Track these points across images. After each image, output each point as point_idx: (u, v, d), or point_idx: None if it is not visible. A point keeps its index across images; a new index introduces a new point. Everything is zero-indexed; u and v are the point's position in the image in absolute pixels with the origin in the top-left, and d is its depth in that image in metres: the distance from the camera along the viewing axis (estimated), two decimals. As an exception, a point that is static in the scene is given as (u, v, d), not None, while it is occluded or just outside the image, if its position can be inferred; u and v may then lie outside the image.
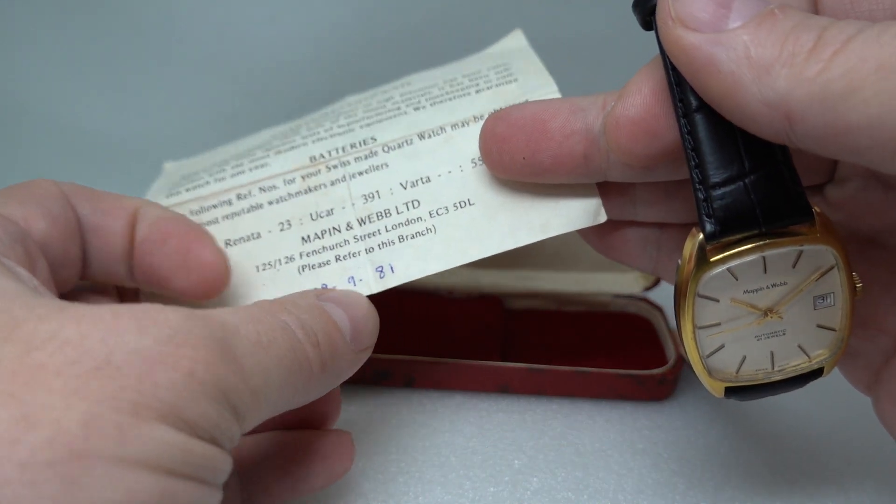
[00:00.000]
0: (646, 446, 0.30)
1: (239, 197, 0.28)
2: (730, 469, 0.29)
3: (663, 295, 0.38)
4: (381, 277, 0.26)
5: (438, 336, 0.36)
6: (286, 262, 0.27)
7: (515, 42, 0.32)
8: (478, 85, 0.29)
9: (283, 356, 0.20)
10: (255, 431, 0.26)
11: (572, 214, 0.25)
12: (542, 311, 0.40)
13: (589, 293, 0.39)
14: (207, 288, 0.24)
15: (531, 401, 0.33)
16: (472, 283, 0.40)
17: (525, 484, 0.29)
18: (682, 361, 0.33)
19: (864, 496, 0.28)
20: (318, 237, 0.27)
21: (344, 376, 0.23)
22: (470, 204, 0.26)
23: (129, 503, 0.15)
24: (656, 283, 0.39)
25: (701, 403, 0.33)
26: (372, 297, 0.25)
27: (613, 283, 0.40)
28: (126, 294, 0.26)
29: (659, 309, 0.38)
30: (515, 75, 0.28)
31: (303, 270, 0.26)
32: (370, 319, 0.24)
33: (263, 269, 0.27)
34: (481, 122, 0.26)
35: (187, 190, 0.29)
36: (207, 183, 0.29)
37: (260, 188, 0.28)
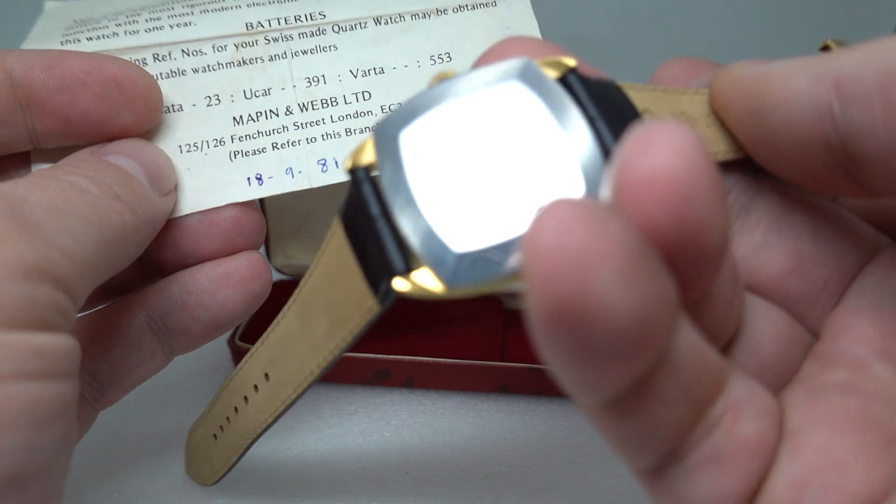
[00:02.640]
0: (646, 446, 0.30)
1: (156, 58, 0.24)
2: (730, 469, 0.29)
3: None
4: (323, 171, 0.24)
5: (438, 336, 0.36)
6: (215, 146, 0.24)
7: None
8: None
9: (86, 214, 0.18)
10: (153, 277, 0.25)
11: None
12: (543, 310, 0.40)
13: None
14: (147, 117, 0.23)
15: (531, 401, 0.33)
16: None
17: (526, 484, 0.29)
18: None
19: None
20: (253, 120, 0.24)
21: (158, 225, 0.22)
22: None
23: None
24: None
25: (701, 403, 0.33)
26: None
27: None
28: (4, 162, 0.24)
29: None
30: None
31: (234, 157, 0.24)
32: (163, 160, 0.23)
33: (188, 151, 0.24)
34: (443, 17, 0.24)
35: (88, 39, 0.25)
36: (115, 35, 0.25)
37: (183, 51, 0.24)
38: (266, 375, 0.22)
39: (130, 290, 0.24)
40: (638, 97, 0.17)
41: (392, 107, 0.24)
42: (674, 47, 0.41)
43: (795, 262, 0.19)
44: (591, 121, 0.15)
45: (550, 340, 0.12)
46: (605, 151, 0.14)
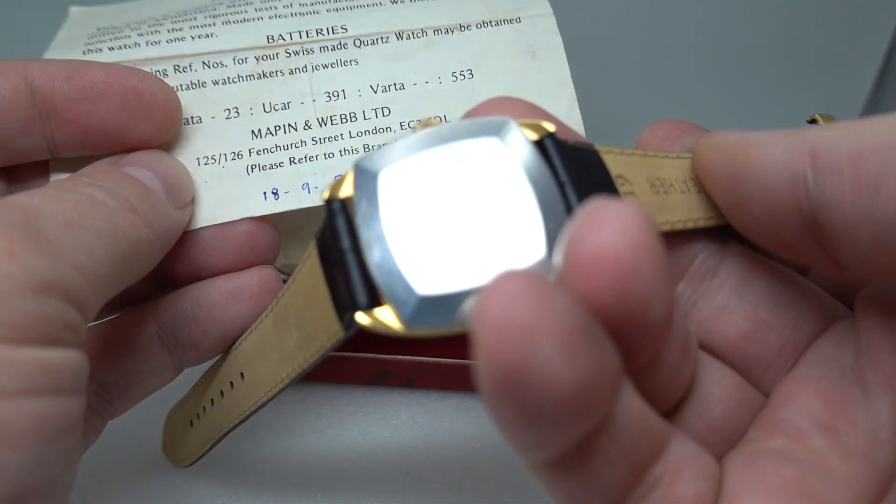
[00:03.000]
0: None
1: (177, 69, 0.24)
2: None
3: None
4: None
5: (438, 336, 0.36)
6: (233, 159, 0.24)
7: None
8: None
9: (101, 227, 0.18)
10: (165, 289, 0.25)
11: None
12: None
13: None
14: (166, 128, 0.23)
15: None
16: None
17: (526, 484, 0.29)
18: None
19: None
20: (271, 133, 0.24)
21: (173, 238, 0.22)
22: (445, 121, 0.24)
23: None
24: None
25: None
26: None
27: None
28: (17, 172, 0.24)
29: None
30: None
31: (252, 170, 0.24)
32: (181, 172, 0.23)
33: (206, 163, 0.24)
34: (466, 33, 0.24)
35: (110, 49, 0.25)
36: (137, 45, 0.25)
37: (204, 63, 0.24)
38: (241, 374, 0.22)
39: (142, 302, 0.24)
40: (614, 162, 0.17)
41: (411, 124, 0.24)
42: (674, 46, 0.41)
43: (753, 327, 0.19)
44: (561, 186, 0.16)
45: (496, 403, 0.12)
46: (570, 215, 0.15)
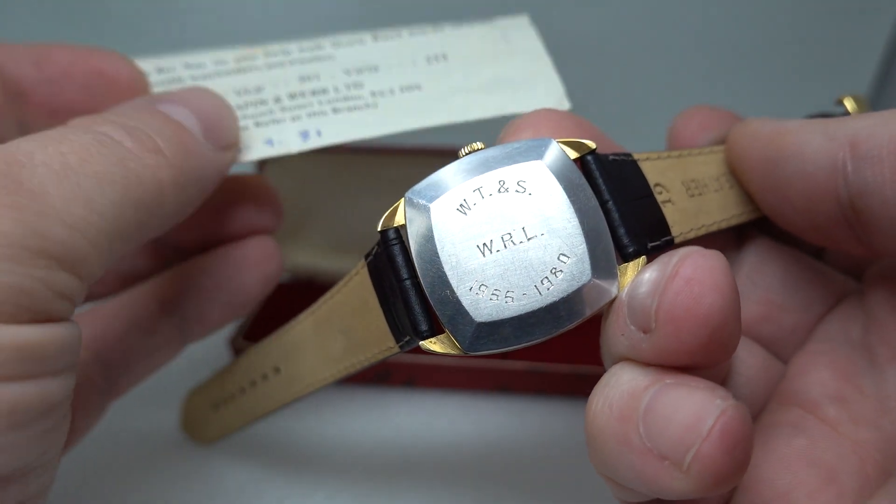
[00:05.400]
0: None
1: (159, 70, 0.25)
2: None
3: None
4: (304, 140, 0.24)
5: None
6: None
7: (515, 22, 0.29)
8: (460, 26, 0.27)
9: (107, 172, 0.16)
10: (164, 264, 0.24)
11: (534, 99, 0.24)
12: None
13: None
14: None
15: (531, 401, 0.33)
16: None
17: (526, 484, 0.29)
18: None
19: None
20: (240, 108, 0.24)
21: (211, 180, 0.21)
22: (419, 89, 0.24)
23: None
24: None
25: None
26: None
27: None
28: None
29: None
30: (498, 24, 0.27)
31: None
32: (224, 111, 0.22)
33: None
34: (440, 33, 0.25)
35: None
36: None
37: (185, 64, 0.25)
38: (277, 369, 0.23)
39: (146, 277, 0.24)
40: (652, 169, 0.18)
41: (384, 92, 0.24)
42: (673, 41, 0.41)
43: (767, 311, 0.21)
44: (604, 204, 0.17)
45: (679, 338, 0.15)
46: (613, 234, 0.17)
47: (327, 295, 0.21)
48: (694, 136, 0.22)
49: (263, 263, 0.24)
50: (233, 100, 0.25)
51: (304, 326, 0.22)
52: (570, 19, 0.40)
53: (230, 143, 0.22)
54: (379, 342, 0.18)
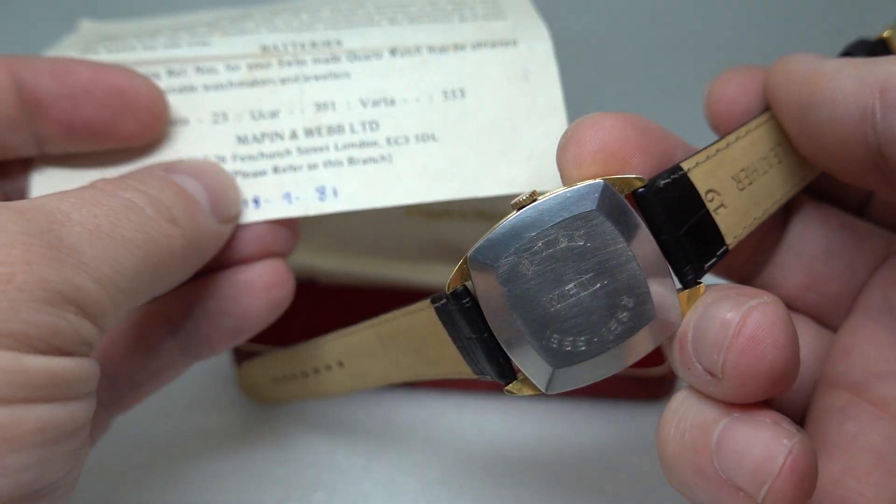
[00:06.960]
0: (646, 445, 0.31)
1: (170, 73, 0.25)
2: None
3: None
4: (321, 199, 0.24)
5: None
6: (216, 162, 0.24)
7: None
8: (462, 13, 0.26)
9: (133, 238, 0.18)
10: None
11: (546, 170, 0.24)
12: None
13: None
14: (151, 127, 0.23)
15: (531, 401, 0.33)
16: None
17: (526, 483, 0.29)
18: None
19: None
20: (257, 140, 0.24)
21: (210, 251, 0.22)
22: (434, 140, 0.24)
23: None
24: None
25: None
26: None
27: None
28: (6, 168, 0.24)
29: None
30: (504, 12, 0.26)
31: (234, 177, 0.24)
32: (228, 186, 0.23)
33: None
34: (461, 53, 0.24)
35: (108, 51, 0.25)
36: (134, 49, 0.25)
37: (197, 68, 0.25)
38: (340, 363, 0.26)
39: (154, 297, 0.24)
40: (702, 175, 0.18)
41: (398, 140, 0.24)
42: (671, 41, 0.41)
43: (811, 280, 0.21)
44: (659, 237, 0.18)
45: (744, 383, 0.16)
46: (672, 264, 0.18)
47: (388, 315, 0.22)
48: (733, 102, 0.22)
49: (273, 289, 0.24)
50: (250, 126, 0.24)
51: (365, 336, 0.24)
52: (570, 19, 0.40)
53: (232, 217, 0.23)
54: (453, 364, 0.20)
